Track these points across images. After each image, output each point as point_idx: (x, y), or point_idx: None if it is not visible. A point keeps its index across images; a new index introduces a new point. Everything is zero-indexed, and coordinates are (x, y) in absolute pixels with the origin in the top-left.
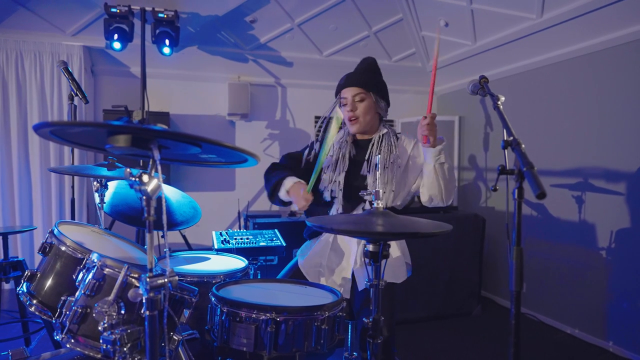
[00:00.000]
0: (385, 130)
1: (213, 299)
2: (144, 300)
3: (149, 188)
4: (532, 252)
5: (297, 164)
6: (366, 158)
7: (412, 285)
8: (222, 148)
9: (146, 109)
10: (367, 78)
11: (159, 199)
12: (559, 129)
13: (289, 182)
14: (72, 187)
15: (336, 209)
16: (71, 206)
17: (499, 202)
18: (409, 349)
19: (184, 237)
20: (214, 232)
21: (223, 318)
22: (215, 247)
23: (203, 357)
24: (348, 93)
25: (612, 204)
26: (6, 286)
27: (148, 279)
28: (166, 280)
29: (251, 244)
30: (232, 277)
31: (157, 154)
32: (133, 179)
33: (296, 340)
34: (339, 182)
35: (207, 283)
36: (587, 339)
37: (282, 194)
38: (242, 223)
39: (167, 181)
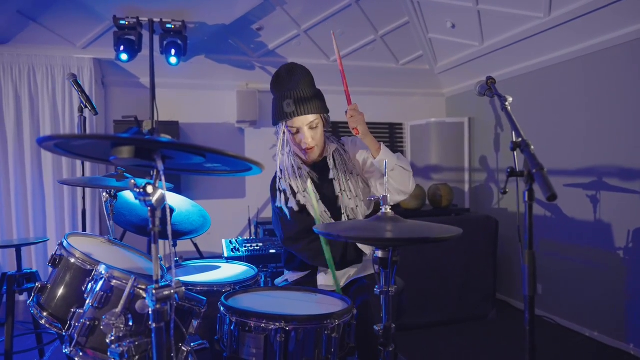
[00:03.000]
0: (334, 146)
1: (222, 308)
2: (150, 312)
3: (154, 199)
4: (547, 253)
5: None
6: (332, 177)
7: (425, 290)
8: (226, 157)
9: (156, 118)
10: (318, 99)
11: (165, 209)
12: (571, 127)
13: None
14: (83, 198)
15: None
16: (82, 217)
17: (512, 203)
18: (423, 355)
19: (195, 245)
20: (223, 240)
21: (232, 328)
22: (225, 255)
23: None
24: (300, 122)
25: (628, 203)
26: (20, 298)
27: (154, 291)
28: (173, 291)
29: (261, 252)
30: (242, 286)
31: (160, 165)
32: (137, 190)
33: (306, 349)
34: (324, 211)
35: (217, 292)
36: (607, 341)
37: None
38: (253, 230)
39: (178, 190)
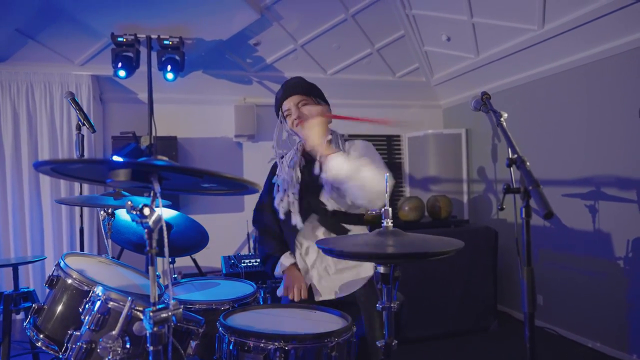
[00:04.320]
0: (330, 136)
1: (220, 328)
2: (148, 335)
3: (151, 221)
4: (547, 264)
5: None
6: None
7: (425, 302)
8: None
9: (154, 134)
10: (306, 85)
11: (162, 228)
12: (568, 138)
13: (286, 262)
14: (81, 217)
15: (294, 222)
16: (80, 236)
17: (510, 214)
18: None
19: (194, 261)
20: (221, 257)
21: (231, 347)
22: (224, 271)
23: None
24: (290, 103)
25: (626, 212)
26: (17, 317)
27: (151, 314)
28: (170, 313)
29: (259, 268)
30: (241, 304)
31: (157, 187)
32: (134, 212)
33: None
34: (294, 197)
35: (216, 310)
36: (610, 352)
37: (278, 273)
38: (252, 245)
39: (176, 205)
